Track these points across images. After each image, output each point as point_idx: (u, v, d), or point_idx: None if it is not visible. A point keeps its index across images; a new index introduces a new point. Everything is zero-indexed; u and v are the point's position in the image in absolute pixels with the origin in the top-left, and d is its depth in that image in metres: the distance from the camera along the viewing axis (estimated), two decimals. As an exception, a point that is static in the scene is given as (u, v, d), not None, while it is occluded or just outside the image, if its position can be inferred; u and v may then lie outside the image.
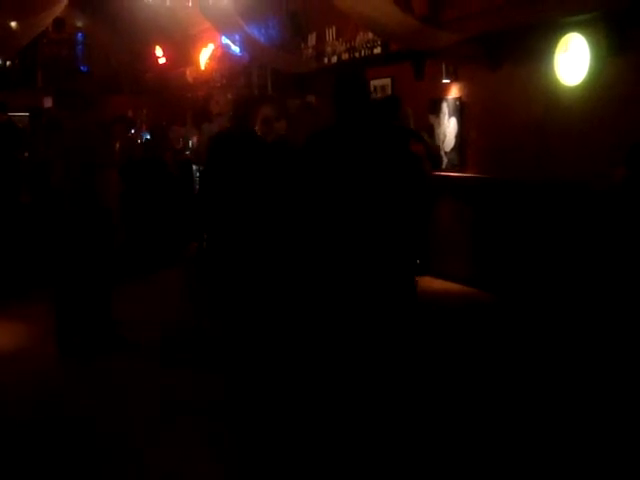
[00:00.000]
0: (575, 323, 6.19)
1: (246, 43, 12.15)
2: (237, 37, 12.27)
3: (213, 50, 14.51)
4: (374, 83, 10.04)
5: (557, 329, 6.28)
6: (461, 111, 8.45)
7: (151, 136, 11.67)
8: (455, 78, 8.55)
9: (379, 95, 9.88)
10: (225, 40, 13.45)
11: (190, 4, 9.94)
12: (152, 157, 10.49)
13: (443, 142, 8.77)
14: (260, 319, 5.53)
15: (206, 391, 5.27)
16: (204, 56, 14.82)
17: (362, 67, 9.19)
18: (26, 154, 9.63)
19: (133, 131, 12.40)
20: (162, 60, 16.54)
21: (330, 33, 10.49)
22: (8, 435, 4.70)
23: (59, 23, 14.88)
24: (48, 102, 14.81)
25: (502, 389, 5.16)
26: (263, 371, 5.32)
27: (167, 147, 11.13)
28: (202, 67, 14.93)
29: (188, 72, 15.54)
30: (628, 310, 4.94)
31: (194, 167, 10.57)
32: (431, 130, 8.88)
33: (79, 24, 16.36)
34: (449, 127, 8.66)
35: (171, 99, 16.14)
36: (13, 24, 9.57)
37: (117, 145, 10.64)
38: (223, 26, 11.99)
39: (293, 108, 6.97)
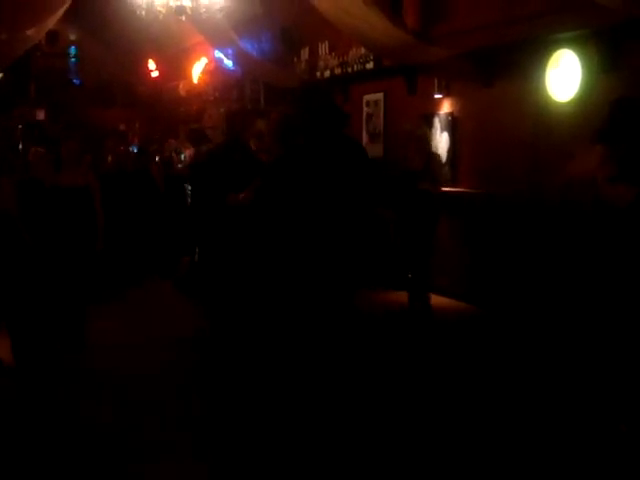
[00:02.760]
0: (569, 338, 6.18)
1: (239, 57, 12.18)
2: (230, 51, 12.30)
3: (206, 64, 14.53)
4: (367, 98, 10.08)
5: (551, 345, 6.27)
6: (453, 126, 8.47)
7: (139, 150, 11.70)
8: (447, 93, 8.58)
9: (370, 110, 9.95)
10: (218, 54, 13.48)
11: (183, 18, 9.92)
12: (139, 170, 10.50)
13: (435, 157, 8.78)
14: (254, 326, 5.56)
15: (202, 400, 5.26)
16: (197, 70, 14.84)
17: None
18: None
19: (126, 145, 12.41)
20: (155, 73, 16.55)
21: (323, 48, 10.53)
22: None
23: (52, 36, 14.90)
24: (41, 114, 14.84)
25: (488, 401, 5.16)
26: (257, 376, 5.34)
27: (152, 160, 11.12)
28: (195, 81, 14.94)
29: (181, 86, 15.56)
30: (620, 322, 4.93)
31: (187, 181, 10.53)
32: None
33: (72, 37, 16.39)
34: (441, 142, 8.67)
35: (164, 112, 16.15)
36: (5, 36, 9.55)
37: (109, 158, 10.66)
38: (216, 40, 12.02)
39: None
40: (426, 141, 7.82)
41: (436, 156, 7.93)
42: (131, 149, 12.33)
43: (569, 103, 6.86)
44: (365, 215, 4.84)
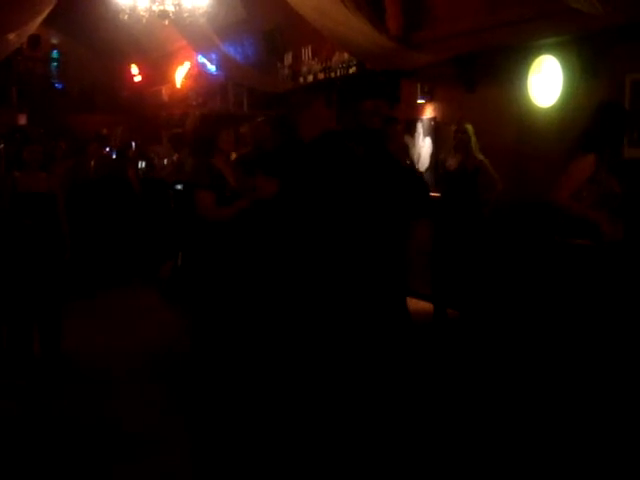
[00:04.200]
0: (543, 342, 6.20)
1: (222, 62, 12.17)
2: (213, 56, 12.29)
3: (189, 69, 14.52)
4: (350, 103, 10.08)
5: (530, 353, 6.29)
6: (436, 131, 8.49)
7: (117, 154, 11.68)
8: (430, 98, 8.60)
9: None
10: (201, 59, 13.47)
11: (166, 22, 9.90)
12: (117, 174, 10.47)
13: (418, 162, 8.79)
14: (245, 333, 5.49)
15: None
16: (180, 74, 14.82)
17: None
18: None
19: (108, 149, 12.36)
20: (138, 78, 16.52)
21: (306, 52, 10.53)
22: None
23: (34, 40, 14.85)
24: (22, 119, 14.77)
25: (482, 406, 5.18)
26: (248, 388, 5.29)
27: (129, 165, 11.10)
28: (178, 85, 14.93)
29: (164, 90, 15.54)
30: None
31: (178, 186, 10.45)
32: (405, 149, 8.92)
33: (54, 41, 16.33)
34: (424, 147, 8.70)
35: (147, 117, 16.11)
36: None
37: (92, 163, 10.61)
38: (199, 44, 12.00)
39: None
40: (465, 143, 7.24)
41: (474, 158, 7.22)
42: (112, 153, 12.31)
43: (551, 108, 6.90)
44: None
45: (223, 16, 11.08)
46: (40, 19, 9.76)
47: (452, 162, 7.37)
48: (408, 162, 5.41)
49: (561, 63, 6.73)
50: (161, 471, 4.32)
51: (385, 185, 3.98)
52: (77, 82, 16.30)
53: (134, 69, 16.45)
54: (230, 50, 12.15)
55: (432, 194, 7.87)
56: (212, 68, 13.13)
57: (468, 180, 7.21)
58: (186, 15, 9.53)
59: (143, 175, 11.99)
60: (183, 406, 5.28)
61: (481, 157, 7.21)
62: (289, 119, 6.52)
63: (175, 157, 11.59)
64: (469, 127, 7.23)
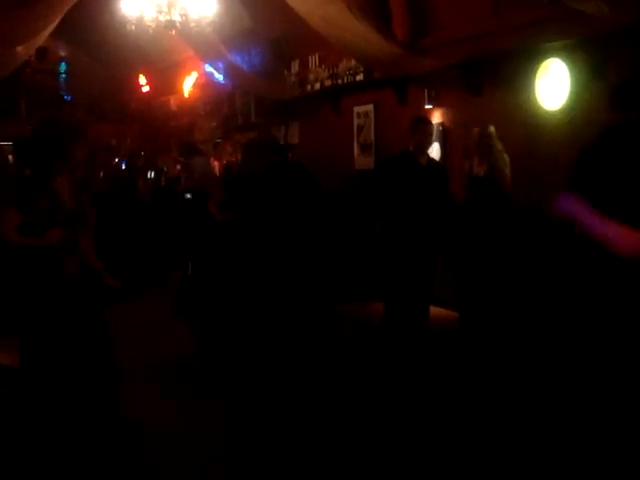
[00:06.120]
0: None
1: (229, 71, 12.21)
2: (220, 65, 12.33)
3: (197, 78, 14.57)
4: (357, 110, 10.10)
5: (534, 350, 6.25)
6: (444, 136, 8.48)
7: (127, 165, 11.73)
8: (437, 103, 8.59)
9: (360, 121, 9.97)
10: (209, 68, 13.51)
11: (173, 32, 9.93)
12: (126, 185, 10.51)
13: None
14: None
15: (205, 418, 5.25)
16: (188, 84, 14.87)
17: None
18: None
19: (117, 160, 12.42)
20: (146, 88, 16.58)
21: (313, 60, 10.55)
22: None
23: (42, 52, 14.93)
24: (31, 131, 14.80)
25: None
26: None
27: (138, 175, 11.14)
28: (186, 95, 14.98)
29: (172, 100, 15.59)
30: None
31: (187, 195, 10.47)
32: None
33: (62, 53, 16.41)
34: (432, 152, 8.65)
35: (155, 127, 16.16)
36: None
37: (101, 174, 10.66)
38: (206, 54, 12.04)
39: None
40: (489, 143, 6.82)
41: (499, 157, 6.82)
42: (121, 164, 12.36)
43: (559, 111, 6.88)
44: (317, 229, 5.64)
45: (230, 25, 11.11)
46: (48, 31, 9.81)
47: (480, 168, 6.89)
48: None
49: (568, 66, 6.71)
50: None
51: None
52: (85, 93, 16.36)
53: (142, 79, 16.51)
54: (237, 59, 12.18)
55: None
56: (220, 77, 13.16)
57: (496, 185, 6.83)
58: (193, 25, 9.55)
59: (153, 185, 12.03)
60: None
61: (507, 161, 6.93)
62: (273, 142, 7.16)
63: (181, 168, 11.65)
64: (492, 130, 6.84)
